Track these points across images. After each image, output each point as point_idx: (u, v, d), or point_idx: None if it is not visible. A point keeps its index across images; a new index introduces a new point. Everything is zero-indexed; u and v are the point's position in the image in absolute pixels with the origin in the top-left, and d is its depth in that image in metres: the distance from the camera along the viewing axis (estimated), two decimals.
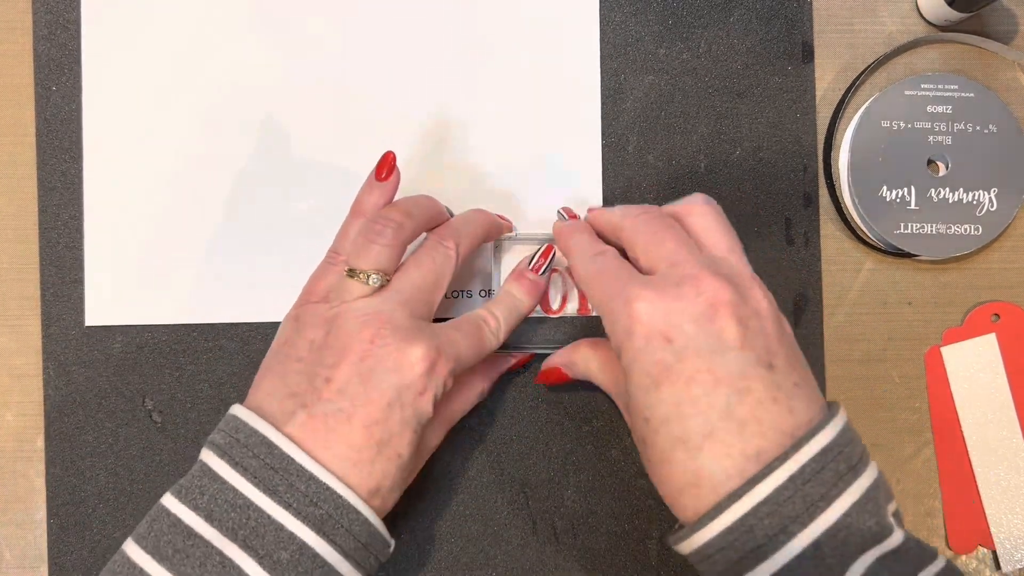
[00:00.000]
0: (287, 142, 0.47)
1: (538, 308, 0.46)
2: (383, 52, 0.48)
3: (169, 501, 0.35)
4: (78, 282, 0.47)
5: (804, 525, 0.32)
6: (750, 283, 0.36)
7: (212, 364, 0.47)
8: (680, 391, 0.34)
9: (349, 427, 0.35)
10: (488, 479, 0.47)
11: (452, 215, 0.44)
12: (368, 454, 0.36)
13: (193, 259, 0.47)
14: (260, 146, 0.47)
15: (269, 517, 0.34)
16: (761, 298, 0.36)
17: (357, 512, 0.35)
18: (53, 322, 0.46)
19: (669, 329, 0.34)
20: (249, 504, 0.34)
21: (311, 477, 0.34)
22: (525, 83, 0.48)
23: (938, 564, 0.32)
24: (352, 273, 0.39)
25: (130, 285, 0.47)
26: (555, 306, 0.47)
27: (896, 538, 0.33)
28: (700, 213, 0.39)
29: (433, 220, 0.42)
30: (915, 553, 0.32)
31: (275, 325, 0.47)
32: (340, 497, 0.35)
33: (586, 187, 0.48)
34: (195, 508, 0.34)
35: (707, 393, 0.34)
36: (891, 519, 0.34)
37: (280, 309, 0.47)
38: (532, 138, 0.48)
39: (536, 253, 0.44)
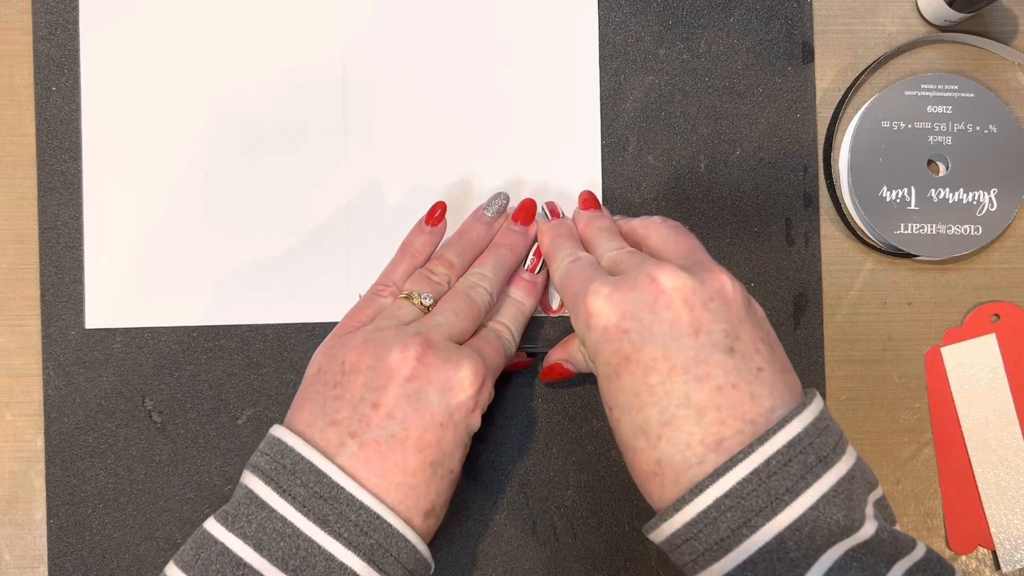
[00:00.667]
0: (288, 142, 0.47)
1: (538, 308, 0.46)
2: (384, 53, 0.48)
3: (215, 528, 0.35)
4: (78, 282, 0.47)
5: (768, 519, 0.32)
6: (711, 268, 0.37)
7: (212, 364, 0.47)
8: (638, 380, 0.34)
9: (403, 452, 0.36)
10: (488, 479, 0.47)
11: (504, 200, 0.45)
12: (423, 476, 0.36)
13: (193, 260, 0.47)
14: (260, 147, 0.47)
15: (319, 547, 0.34)
16: (726, 282, 0.36)
17: (406, 540, 0.35)
18: (53, 322, 0.46)
19: (624, 319, 0.35)
20: (298, 533, 0.34)
21: (361, 506, 0.34)
22: (525, 83, 0.48)
23: (916, 555, 0.32)
24: (408, 296, 0.41)
25: (130, 287, 0.47)
26: (555, 305, 0.47)
27: (868, 530, 0.32)
28: (654, 230, 0.41)
29: (480, 251, 0.44)
30: (889, 544, 0.32)
31: (275, 326, 0.47)
32: (390, 526, 0.35)
33: (586, 187, 0.47)
34: (243, 537, 0.34)
35: (664, 381, 0.34)
36: (868, 509, 0.33)
37: (280, 310, 0.47)
38: (532, 138, 0.48)
39: (529, 253, 0.45)
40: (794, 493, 0.32)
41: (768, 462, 0.32)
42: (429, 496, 0.36)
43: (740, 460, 0.32)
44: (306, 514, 0.34)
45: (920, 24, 0.49)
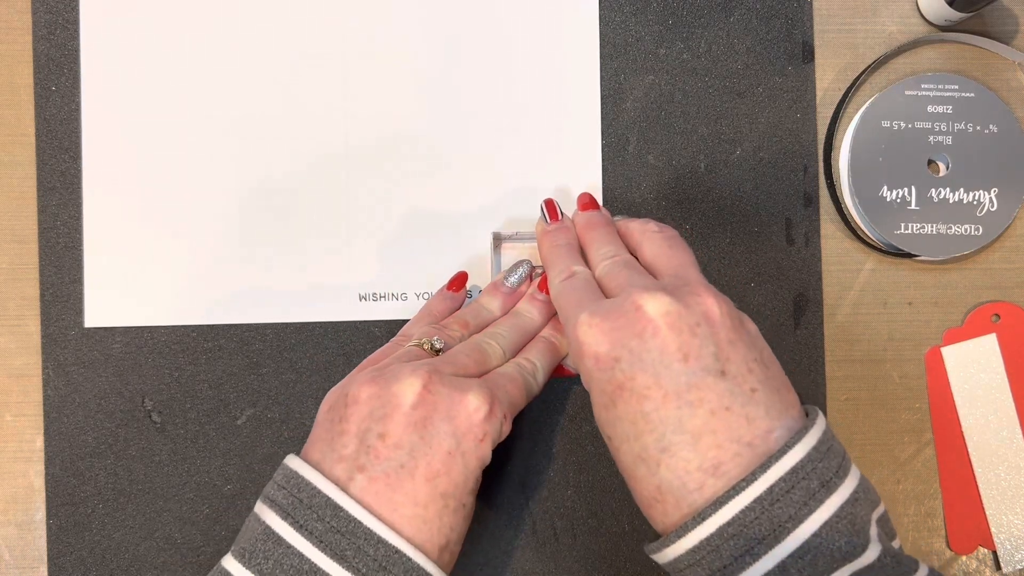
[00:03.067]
0: (287, 142, 0.47)
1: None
2: (383, 52, 0.48)
3: (233, 566, 0.34)
4: (77, 282, 0.47)
5: (770, 547, 0.31)
6: (698, 290, 0.36)
7: (211, 364, 0.47)
8: (633, 408, 0.34)
9: (413, 483, 0.35)
10: (488, 479, 0.47)
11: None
12: (435, 508, 0.35)
13: (193, 260, 0.47)
14: (260, 146, 0.47)
15: None
16: (711, 304, 0.35)
17: (427, 574, 0.34)
18: (53, 323, 0.46)
19: (613, 349, 0.35)
20: (316, 569, 0.34)
21: (379, 540, 0.34)
22: (525, 83, 0.48)
23: None
24: (419, 344, 0.41)
25: (130, 286, 0.47)
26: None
27: (871, 554, 0.32)
28: (648, 240, 0.41)
29: (485, 326, 0.44)
30: (891, 568, 0.32)
31: (274, 326, 0.47)
32: (410, 560, 0.34)
33: (586, 187, 0.48)
34: (261, 574, 0.34)
35: (657, 408, 0.34)
36: (872, 530, 0.33)
37: (280, 310, 0.47)
38: (532, 138, 0.48)
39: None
40: (797, 520, 0.32)
41: (771, 490, 0.32)
42: (443, 530, 0.36)
43: (743, 488, 0.32)
44: (323, 549, 0.34)
45: (920, 24, 0.49)
